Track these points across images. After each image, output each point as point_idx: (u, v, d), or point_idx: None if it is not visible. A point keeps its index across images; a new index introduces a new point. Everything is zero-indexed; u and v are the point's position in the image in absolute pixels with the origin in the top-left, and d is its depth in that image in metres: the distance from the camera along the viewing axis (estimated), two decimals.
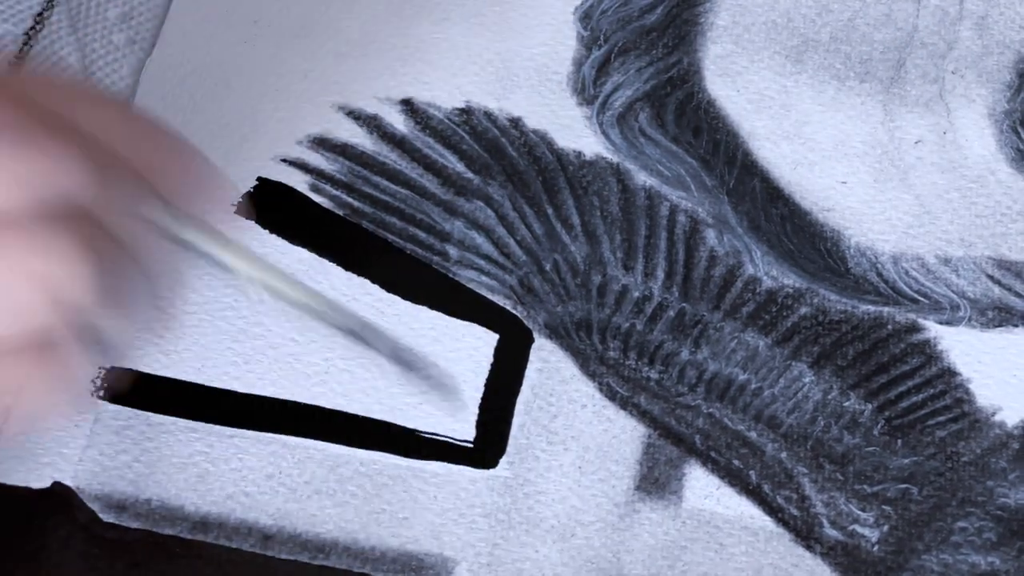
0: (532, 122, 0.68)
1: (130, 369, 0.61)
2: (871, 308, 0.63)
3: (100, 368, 0.61)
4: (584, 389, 0.61)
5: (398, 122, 0.68)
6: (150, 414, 0.60)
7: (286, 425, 0.60)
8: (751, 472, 0.60)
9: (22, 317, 0.42)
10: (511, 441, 0.60)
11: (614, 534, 0.59)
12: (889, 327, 0.63)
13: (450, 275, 0.64)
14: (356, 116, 0.68)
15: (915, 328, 0.63)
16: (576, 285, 0.63)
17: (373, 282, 0.64)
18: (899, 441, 0.60)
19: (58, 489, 0.59)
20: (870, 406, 0.61)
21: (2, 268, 0.41)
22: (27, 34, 0.70)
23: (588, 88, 0.69)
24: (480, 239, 0.64)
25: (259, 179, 0.66)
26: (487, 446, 0.60)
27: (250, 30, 0.70)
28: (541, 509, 0.59)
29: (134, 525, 0.59)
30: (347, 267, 0.64)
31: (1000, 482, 0.59)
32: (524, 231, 0.65)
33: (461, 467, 0.60)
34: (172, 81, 0.69)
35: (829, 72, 0.68)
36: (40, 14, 0.71)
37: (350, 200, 0.65)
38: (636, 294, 0.63)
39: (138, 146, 0.46)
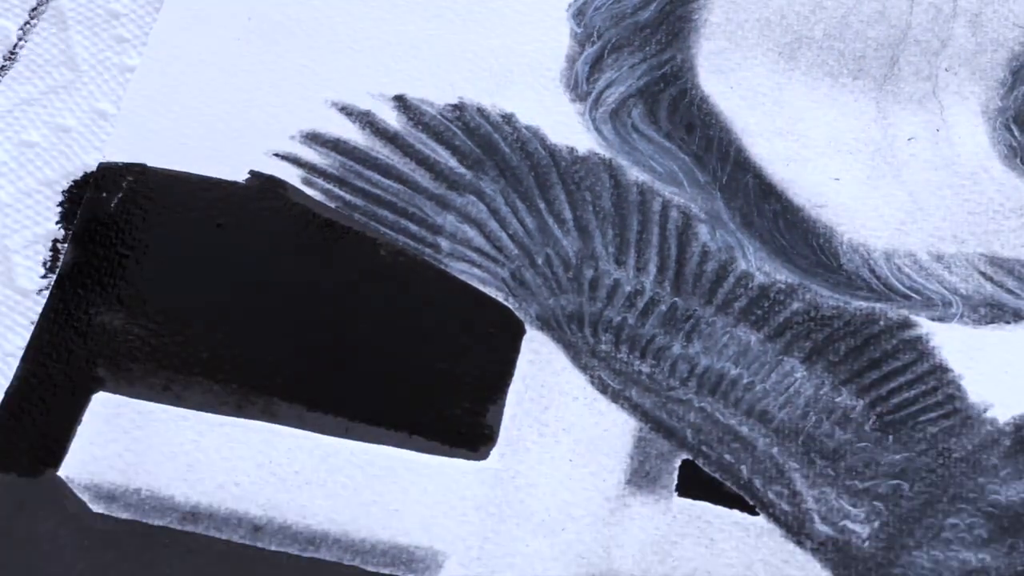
0: (525, 118, 0.68)
1: None
2: (863, 304, 0.63)
3: None
4: (575, 381, 0.61)
5: (391, 118, 0.68)
6: (139, 402, 0.60)
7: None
8: (742, 467, 0.60)
9: None
10: (502, 432, 0.60)
11: (604, 528, 0.59)
12: (881, 323, 0.62)
13: (442, 267, 0.64)
14: (349, 112, 0.68)
15: (907, 324, 0.62)
16: (568, 279, 0.63)
17: (364, 276, 0.64)
18: (890, 437, 0.60)
19: (47, 479, 0.59)
20: (862, 402, 0.61)
21: None
22: (21, 29, 0.70)
23: (581, 84, 0.69)
24: (472, 232, 0.64)
25: (251, 172, 0.66)
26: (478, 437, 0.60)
27: (244, 26, 0.70)
28: (532, 502, 0.59)
29: (124, 515, 0.58)
30: (337, 262, 0.64)
31: (991, 479, 0.59)
32: (516, 225, 0.65)
33: (452, 459, 0.60)
34: (166, 77, 0.69)
35: (822, 69, 0.68)
36: (34, 9, 0.71)
37: (342, 194, 0.66)
38: (628, 288, 0.63)
39: None
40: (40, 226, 0.65)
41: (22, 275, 0.64)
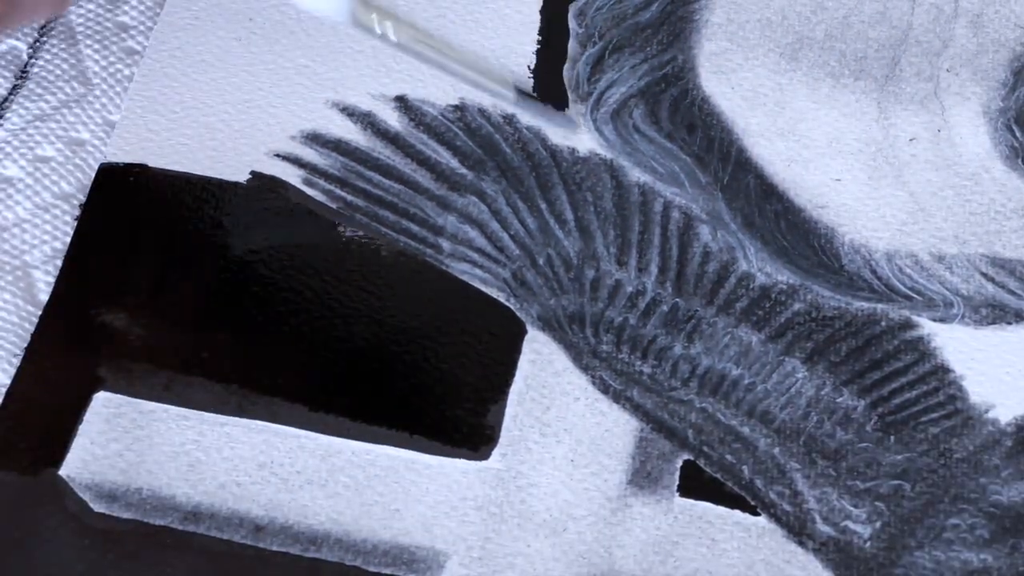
0: (526, 118, 0.67)
1: None
2: (865, 305, 0.63)
3: None
4: (577, 382, 0.61)
5: (392, 119, 0.68)
6: (141, 401, 0.60)
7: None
8: (744, 467, 0.60)
9: None
10: (504, 432, 0.60)
11: (606, 528, 0.59)
12: (882, 324, 0.62)
13: (443, 267, 0.64)
14: (350, 113, 0.68)
15: (908, 325, 0.62)
16: (569, 279, 0.63)
17: (365, 277, 0.64)
18: (892, 437, 0.60)
19: (48, 478, 0.59)
20: (863, 402, 0.61)
21: None
22: (31, 47, 0.70)
23: (583, 85, 0.69)
24: (473, 233, 0.64)
25: (252, 173, 0.66)
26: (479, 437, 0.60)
27: (245, 27, 0.70)
28: (533, 503, 0.59)
29: (125, 515, 0.58)
30: (338, 263, 0.64)
31: (993, 479, 0.59)
32: (517, 226, 0.65)
33: (454, 459, 0.60)
34: (167, 77, 0.69)
35: (824, 70, 0.68)
36: (44, 26, 0.71)
37: (343, 194, 0.66)
38: (629, 289, 0.63)
39: None
40: (59, 240, 0.65)
41: (43, 291, 0.63)
